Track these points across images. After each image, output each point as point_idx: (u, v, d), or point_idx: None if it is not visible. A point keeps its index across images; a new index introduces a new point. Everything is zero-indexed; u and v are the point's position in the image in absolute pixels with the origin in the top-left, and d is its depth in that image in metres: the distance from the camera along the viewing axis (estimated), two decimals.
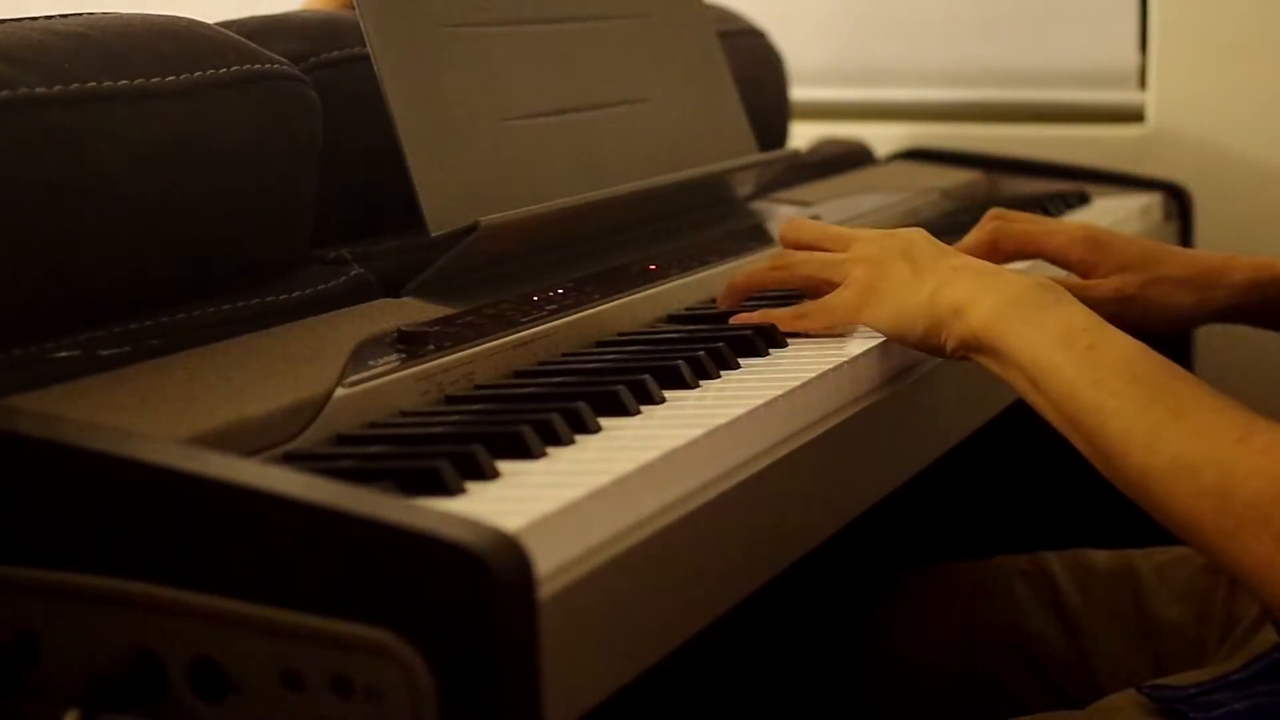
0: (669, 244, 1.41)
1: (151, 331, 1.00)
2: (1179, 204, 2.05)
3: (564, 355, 1.13)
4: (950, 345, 1.07)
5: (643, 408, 0.99)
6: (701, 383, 1.05)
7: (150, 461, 0.76)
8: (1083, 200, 1.94)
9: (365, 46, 1.19)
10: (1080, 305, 1.05)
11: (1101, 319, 1.03)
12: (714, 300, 1.30)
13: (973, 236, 1.34)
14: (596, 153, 1.38)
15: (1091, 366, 0.99)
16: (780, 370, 1.08)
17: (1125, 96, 2.20)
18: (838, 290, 1.13)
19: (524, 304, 1.17)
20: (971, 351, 1.06)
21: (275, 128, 1.13)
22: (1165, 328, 1.32)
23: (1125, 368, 0.99)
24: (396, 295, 1.16)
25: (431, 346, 1.04)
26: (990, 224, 1.34)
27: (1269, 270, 1.33)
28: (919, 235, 1.14)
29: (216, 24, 1.17)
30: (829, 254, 1.15)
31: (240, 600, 0.73)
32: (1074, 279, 1.30)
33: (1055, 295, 1.05)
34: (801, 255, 1.17)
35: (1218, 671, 1.16)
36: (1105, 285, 1.29)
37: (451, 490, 0.82)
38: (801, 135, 2.11)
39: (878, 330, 1.12)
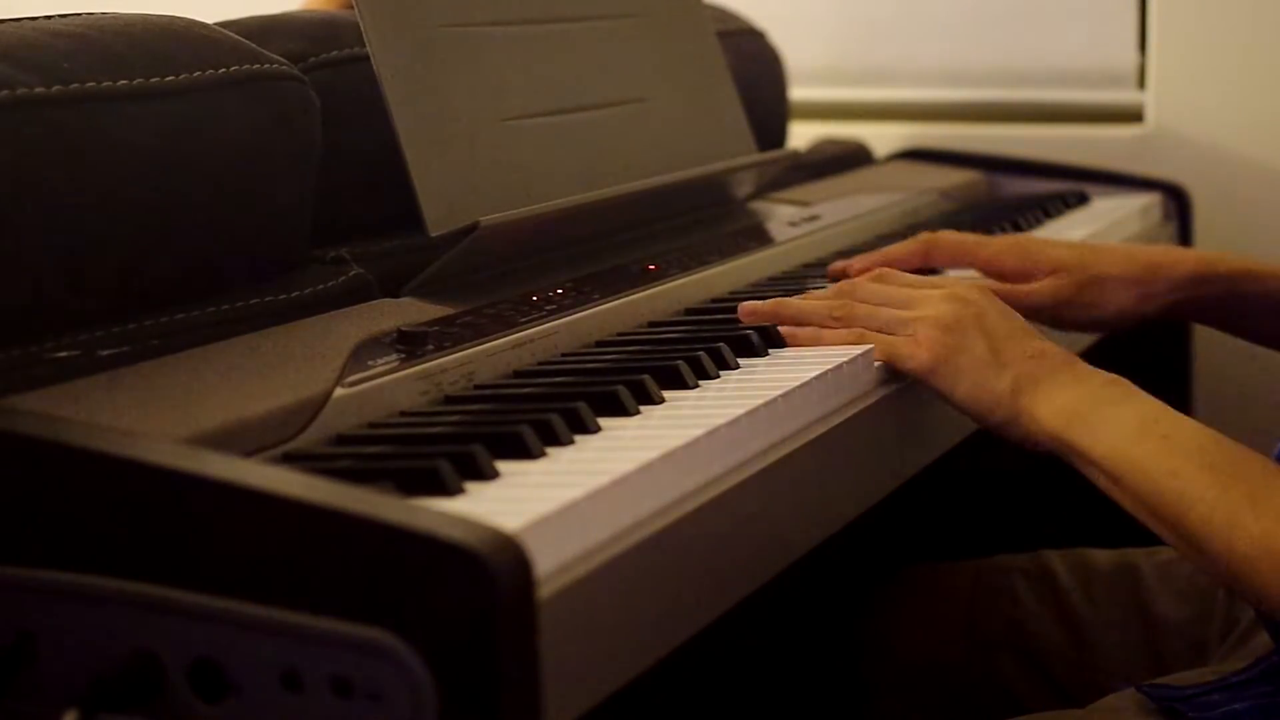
0: (669, 244, 1.41)
1: (151, 331, 1.00)
2: (1178, 204, 2.05)
3: (563, 355, 1.13)
4: (1023, 441, 1.08)
5: (642, 408, 0.99)
6: (701, 383, 1.05)
7: (150, 461, 0.76)
8: (1082, 200, 1.94)
9: (365, 46, 1.19)
10: (1149, 397, 1.06)
11: (1170, 407, 1.05)
12: (714, 300, 1.31)
13: (904, 248, 1.34)
14: (596, 153, 1.38)
15: (1167, 456, 1.01)
16: (780, 370, 1.08)
17: (1124, 96, 2.20)
18: (907, 341, 1.11)
19: (523, 304, 1.17)
20: (1045, 450, 1.07)
21: (275, 128, 1.13)
22: (1108, 327, 1.32)
23: (1199, 455, 1.01)
24: (396, 295, 1.16)
25: (431, 346, 1.04)
26: (923, 236, 1.35)
27: (1210, 266, 1.33)
28: (989, 304, 1.12)
29: (216, 24, 1.17)
30: (896, 312, 1.13)
31: (240, 600, 0.73)
32: (1008, 286, 1.30)
33: (1125, 390, 1.06)
34: (866, 309, 1.14)
35: (1218, 672, 1.16)
36: (1041, 290, 1.29)
37: (451, 490, 0.82)
38: (801, 135, 2.11)
39: (948, 402, 1.10)
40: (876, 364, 1.12)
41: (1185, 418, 1.04)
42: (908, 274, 1.21)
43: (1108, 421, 1.04)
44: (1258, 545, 0.96)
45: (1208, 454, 1.01)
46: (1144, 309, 1.32)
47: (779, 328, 1.15)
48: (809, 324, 1.16)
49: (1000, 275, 1.33)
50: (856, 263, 1.34)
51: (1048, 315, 1.30)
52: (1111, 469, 1.03)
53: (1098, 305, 1.31)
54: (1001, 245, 1.33)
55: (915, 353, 1.10)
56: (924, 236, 1.35)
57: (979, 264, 1.34)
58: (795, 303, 1.18)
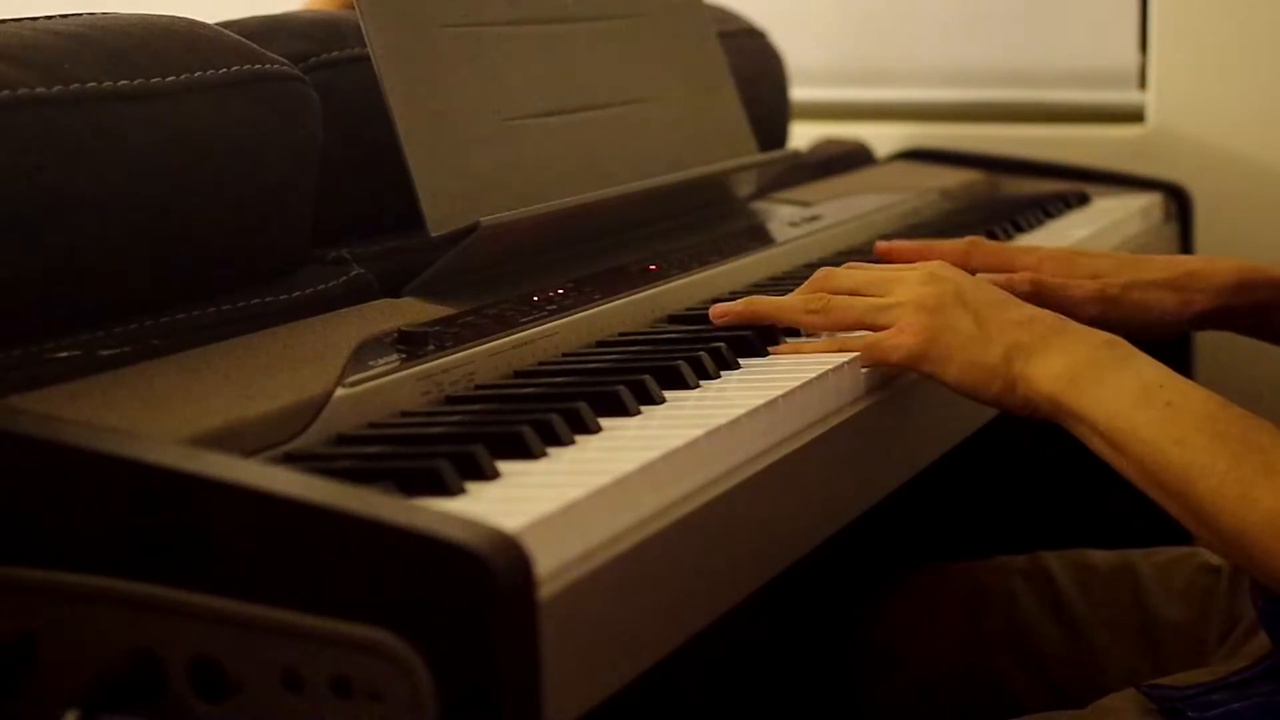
0: (669, 244, 1.41)
1: (151, 331, 1.00)
2: (1179, 204, 2.05)
3: (564, 355, 1.13)
4: (1023, 408, 1.06)
5: (643, 408, 0.99)
6: (702, 383, 1.05)
7: (150, 461, 0.76)
8: (1083, 200, 1.94)
9: (365, 46, 1.19)
10: (1150, 360, 1.04)
11: (1173, 371, 1.03)
12: (715, 301, 1.30)
13: (948, 244, 1.33)
14: (596, 153, 1.38)
15: (1173, 424, 0.99)
16: (781, 370, 1.08)
17: (1125, 96, 2.20)
18: (890, 332, 1.08)
19: (524, 304, 1.17)
20: (1046, 416, 1.05)
21: (275, 128, 1.13)
22: (1149, 332, 1.31)
23: (1208, 424, 0.98)
24: (396, 295, 1.16)
25: (432, 347, 1.04)
26: (966, 240, 1.33)
27: (1253, 273, 1.32)
28: (965, 278, 1.10)
29: (216, 24, 1.17)
30: (872, 299, 1.10)
31: (240, 600, 0.73)
32: (1058, 279, 1.30)
33: (1125, 351, 1.04)
34: (842, 300, 1.12)
35: (1218, 672, 1.16)
36: (1089, 285, 1.28)
37: (451, 490, 0.82)
38: (801, 135, 2.11)
39: (942, 383, 1.08)
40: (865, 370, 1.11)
41: (1190, 382, 1.02)
42: (882, 262, 1.20)
43: (1107, 386, 1.02)
44: (1271, 518, 0.94)
45: (1216, 422, 0.98)
46: (1185, 315, 1.30)
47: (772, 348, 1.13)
48: (783, 322, 1.15)
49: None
50: (898, 253, 1.33)
51: (1090, 311, 1.29)
52: (1113, 436, 1.01)
53: (1140, 310, 1.29)
54: (1043, 254, 1.32)
55: (900, 341, 1.07)
56: (970, 239, 1.33)
57: (1019, 270, 1.33)
58: (768, 301, 1.16)
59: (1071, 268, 1.30)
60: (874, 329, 1.10)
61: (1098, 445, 1.03)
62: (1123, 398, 1.01)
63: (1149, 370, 1.03)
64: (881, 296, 1.10)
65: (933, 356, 1.07)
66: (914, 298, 1.08)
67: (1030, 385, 1.04)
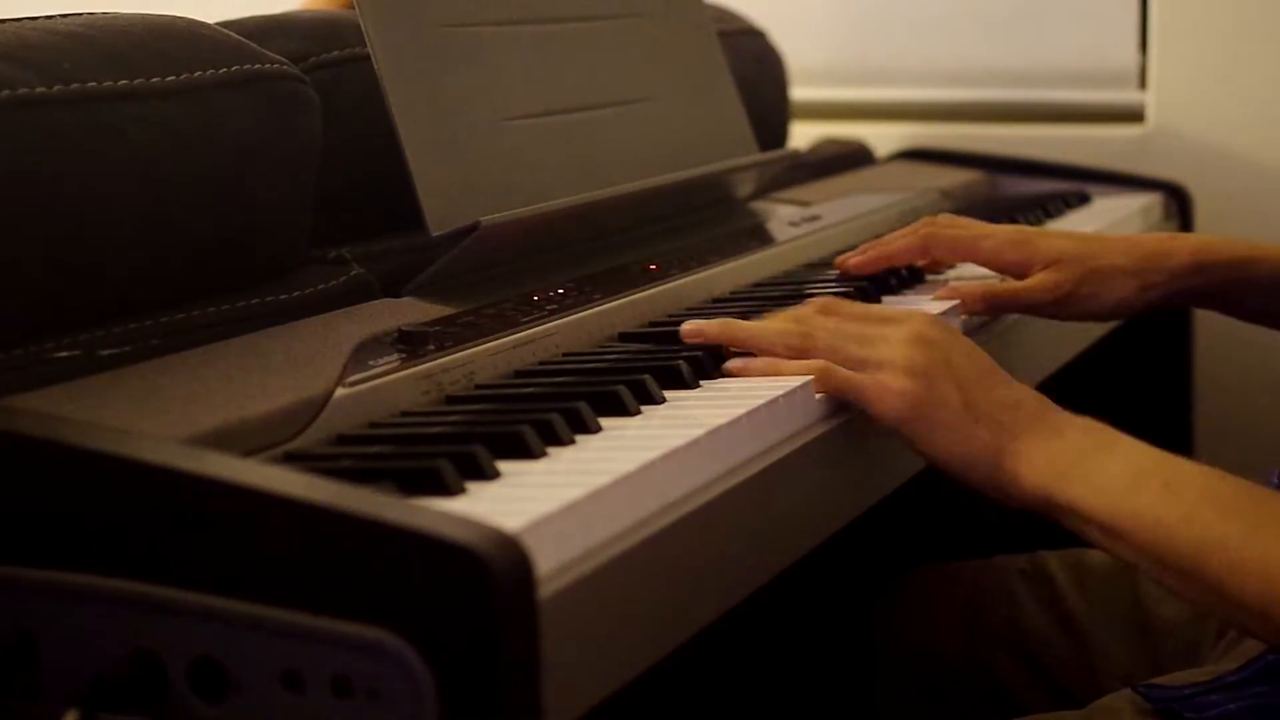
0: (669, 244, 1.41)
1: (151, 331, 1.00)
2: (1179, 204, 2.05)
3: (564, 355, 1.13)
4: (1003, 501, 1.01)
5: (643, 408, 0.99)
6: (702, 383, 1.05)
7: (150, 461, 0.76)
8: (1083, 200, 1.94)
9: (365, 46, 1.19)
10: (1136, 441, 1.00)
11: (1162, 451, 0.99)
12: (715, 300, 1.31)
13: (904, 243, 1.33)
14: (596, 153, 1.38)
15: (1174, 504, 0.95)
16: None
17: (1125, 96, 2.20)
18: (876, 392, 1.02)
19: (524, 304, 1.17)
20: (1035, 510, 1.00)
21: (275, 128, 1.13)
22: (1109, 317, 1.31)
23: (1211, 499, 0.95)
24: (397, 295, 1.16)
25: (432, 346, 1.04)
26: (922, 229, 1.32)
27: (1208, 253, 1.32)
28: (953, 344, 1.03)
29: (216, 24, 1.17)
30: (857, 350, 1.03)
31: (240, 600, 0.73)
32: (1010, 284, 1.30)
33: (1108, 437, 1.00)
34: (826, 339, 1.05)
35: (1214, 672, 1.16)
36: (1040, 286, 1.28)
37: (452, 490, 0.82)
38: (801, 135, 2.11)
39: (921, 455, 1.02)
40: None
41: (1179, 458, 0.99)
42: (862, 305, 1.13)
43: (1097, 473, 0.98)
44: None
45: (1219, 496, 0.95)
46: (1145, 298, 1.30)
47: (726, 364, 1.07)
48: (760, 350, 1.08)
49: (1000, 268, 1.33)
50: (854, 257, 1.34)
51: (1048, 309, 1.30)
52: (1111, 523, 0.97)
53: (1098, 297, 1.29)
54: (1001, 239, 1.31)
55: (886, 400, 1.01)
56: (923, 229, 1.33)
57: (979, 259, 1.33)
58: (744, 327, 1.09)
59: (1031, 251, 1.30)
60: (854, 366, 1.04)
61: (1094, 536, 0.99)
62: (1116, 486, 0.97)
63: (1137, 453, 0.99)
64: (866, 349, 1.04)
65: (917, 426, 1.01)
66: (903, 360, 1.01)
67: (1015, 482, 1.00)
